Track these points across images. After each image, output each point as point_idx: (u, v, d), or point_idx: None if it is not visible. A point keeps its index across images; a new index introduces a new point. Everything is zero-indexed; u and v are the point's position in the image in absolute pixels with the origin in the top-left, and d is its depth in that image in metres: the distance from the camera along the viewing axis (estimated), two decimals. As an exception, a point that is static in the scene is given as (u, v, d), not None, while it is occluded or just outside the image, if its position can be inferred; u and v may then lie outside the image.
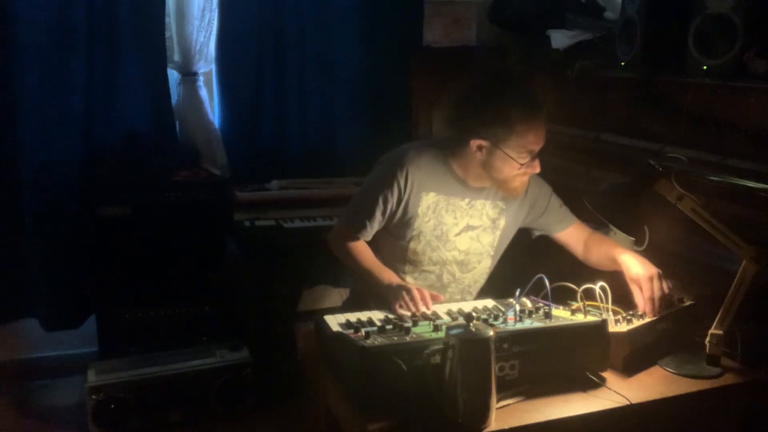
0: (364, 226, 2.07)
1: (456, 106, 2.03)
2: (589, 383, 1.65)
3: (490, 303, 1.97)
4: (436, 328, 1.65)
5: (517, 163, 1.93)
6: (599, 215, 1.87)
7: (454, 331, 1.45)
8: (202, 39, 3.11)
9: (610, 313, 1.80)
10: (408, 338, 1.60)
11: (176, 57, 3.13)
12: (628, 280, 1.90)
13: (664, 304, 1.87)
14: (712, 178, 2.06)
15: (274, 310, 3.04)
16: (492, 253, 2.19)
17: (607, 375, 1.69)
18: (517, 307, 1.75)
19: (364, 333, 1.61)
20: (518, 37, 3.40)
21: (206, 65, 3.17)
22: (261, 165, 3.27)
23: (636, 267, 1.90)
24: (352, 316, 1.81)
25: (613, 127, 2.84)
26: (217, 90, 3.26)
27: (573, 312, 1.79)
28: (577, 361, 1.66)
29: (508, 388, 1.57)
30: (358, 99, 3.38)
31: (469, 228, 2.12)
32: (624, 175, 2.03)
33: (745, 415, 1.76)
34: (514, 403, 1.56)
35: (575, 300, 1.79)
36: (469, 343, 1.43)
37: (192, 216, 2.90)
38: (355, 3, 3.29)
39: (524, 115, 1.90)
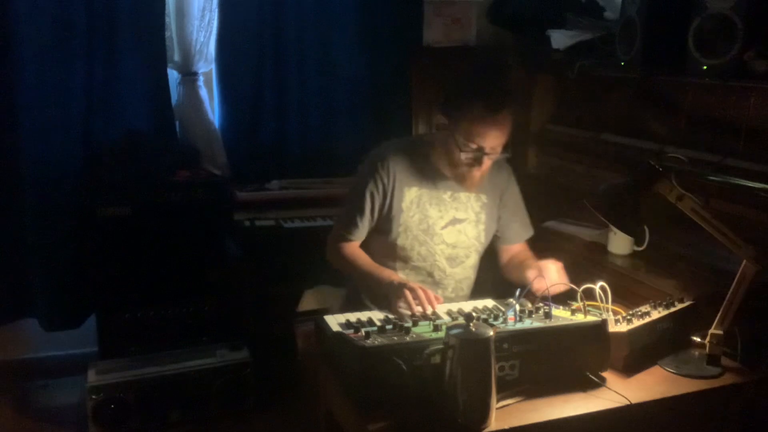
0: (356, 225, 2.10)
1: (446, 82, 2.09)
2: (589, 383, 1.65)
3: (490, 303, 1.97)
4: (436, 328, 1.65)
5: (463, 145, 1.94)
6: (599, 215, 1.87)
7: (454, 331, 1.45)
8: (202, 39, 3.11)
9: (610, 313, 1.80)
10: (408, 338, 1.59)
11: (176, 57, 3.13)
12: (532, 270, 1.93)
13: (664, 304, 1.87)
14: (712, 178, 2.06)
15: (274, 310, 3.04)
16: (479, 247, 2.20)
17: (607, 375, 1.69)
18: (517, 307, 1.75)
19: (364, 333, 1.61)
20: (518, 37, 3.39)
21: (206, 65, 3.17)
22: (261, 165, 3.27)
23: (537, 262, 1.96)
24: (352, 316, 1.81)
25: (613, 127, 2.84)
26: (217, 90, 3.26)
27: (573, 312, 1.79)
28: (577, 361, 1.66)
29: (508, 388, 1.57)
30: (358, 99, 3.38)
31: (455, 221, 2.14)
32: (624, 175, 2.03)
33: (745, 415, 1.76)
34: (514, 403, 1.56)
35: (575, 300, 1.79)
36: (469, 343, 1.43)
37: (192, 216, 2.90)
38: (355, 3, 3.30)
39: (481, 106, 1.90)
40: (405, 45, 3.35)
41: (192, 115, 3.18)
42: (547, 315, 1.75)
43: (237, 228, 2.98)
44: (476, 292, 2.24)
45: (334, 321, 1.77)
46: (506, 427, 1.48)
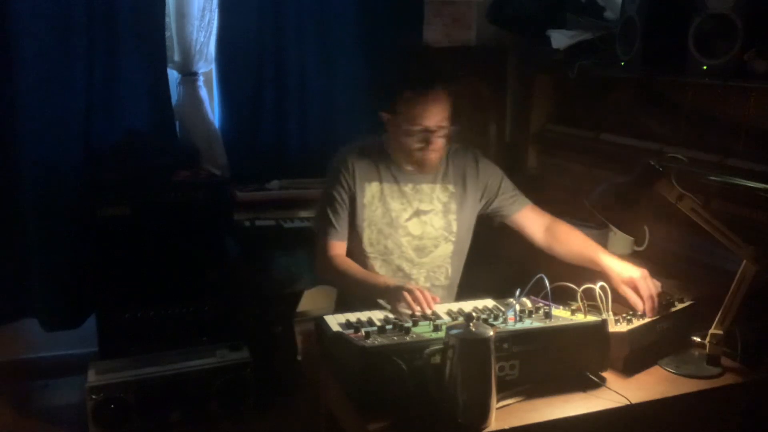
0: (334, 227, 2.13)
1: (373, 82, 2.10)
2: (589, 383, 1.65)
3: (490, 303, 1.97)
4: (436, 328, 1.65)
5: (411, 131, 1.98)
6: (599, 215, 1.87)
7: (454, 331, 1.46)
8: (202, 39, 3.11)
9: (610, 313, 1.80)
10: (408, 338, 1.60)
11: (176, 57, 3.12)
12: (619, 284, 1.90)
13: (663, 304, 1.87)
14: (712, 178, 2.06)
15: (274, 310, 3.04)
16: (449, 237, 2.19)
17: (607, 375, 1.69)
18: (517, 307, 1.75)
19: (364, 333, 1.61)
20: (518, 37, 3.40)
21: (206, 65, 3.17)
22: (261, 165, 3.26)
23: (626, 270, 1.91)
24: (352, 316, 1.81)
25: (613, 127, 2.84)
26: (217, 90, 3.26)
27: (573, 312, 1.79)
28: (577, 361, 1.66)
29: (508, 388, 1.57)
30: (358, 99, 3.37)
31: (419, 212, 2.16)
32: (624, 175, 2.03)
33: (745, 415, 1.76)
34: (514, 403, 1.56)
35: (575, 300, 1.79)
36: (469, 343, 1.43)
37: (192, 216, 2.90)
38: (355, 3, 3.29)
39: (412, 85, 1.96)
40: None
41: (192, 115, 3.18)
42: (547, 315, 1.75)
43: (237, 228, 2.98)
44: (476, 293, 2.24)
45: (334, 321, 1.77)
46: (506, 427, 1.48)
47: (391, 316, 1.82)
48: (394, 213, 2.15)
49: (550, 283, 1.75)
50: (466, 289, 2.29)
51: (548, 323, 1.71)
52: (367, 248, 2.16)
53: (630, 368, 1.73)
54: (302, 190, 3.15)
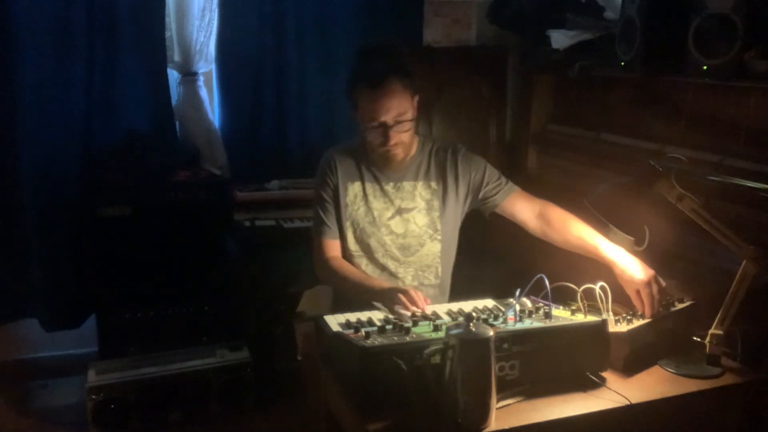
0: (327, 225, 2.15)
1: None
2: (589, 383, 1.65)
3: (490, 303, 1.97)
4: (436, 328, 1.65)
5: (367, 127, 2.02)
6: (599, 215, 1.87)
7: (454, 331, 1.45)
8: (202, 39, 3.11)
9: (610, 313, 1.80)
10: (408, 338, 1.59)
11: (176, 57, 3.13)
12: (623, 282, 1.89)
13: (663, 305, 1.87)
14: (712, 178, 2.06)
15: (274, 310, 3.04)
16: (435, 235, 2.18)
17: (607, 375, 1.69)
18: (517, 307, 1.75)
19: (364, 333, 1.61)
20: (518, 37, 3.40)
21: (206, 65, 3.17)
22: (261, 165, 3.27)
23: (631, 270, 1.88)
24: (352, 316, 1.81)
25: (613, 127, 2.84)
26: (217, 90, 3.26)
27: (573, 312, 1.79)
28: (577, 361, 1.66)
29: (508, 388, 1.57)
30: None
31: (402, 210, 2.17)
32: (624, 175, 2.03)
33: (745, 415, 1.76)
34: (514, 403, 1.56)
35: (575, 300, 1.79)
36: (469, 343, 1.43)
37: (192, 216, 2.90)
38: (355, 3, 3.29)
39: (363, 84, 2.01)
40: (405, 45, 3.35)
41: (192, 115, 3.18)
42: (547, 315, 1.75)
43: (237, 228, 2.98)
44: (476, 293, 2.24)
45: (334, 321, 1.77)
46: (506, 427, 1.48)
47: (391, 316, 1.82)
48: (376, 212, 2.16)
49: (550, 283, 1.75)
50: (466, 289, 2.29)
51: (548, 323, 1.71)
52: (352, 247, 2.17)
53: (630, 368, 1.73)
54: (302, 190, 3.14)
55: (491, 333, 1.45)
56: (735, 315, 1.73)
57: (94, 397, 2.62)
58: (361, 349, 1.51)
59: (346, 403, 1.63)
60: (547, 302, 1.77)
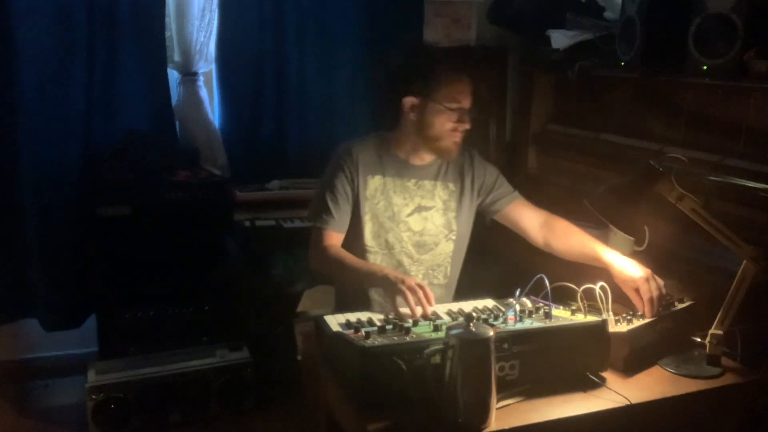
0: (332, 216, 2.11)
1: (387, 72, 2.16)
2: (589, 383, 1.65)
3: (490, 303, 1.97)
4: (436, 328, 1.65)
5: (451, 114, 2.04)
6: (599, 215, 1.87)
7: (454, 331, 1.45)
8: (202, 39, 3.11)
9: (610, 313, 1.80)
10: (408, 338, 1.59)
11: (176, 57, 3.13)
12: (621, 283, 1.90)
13: (663, 304, 1.87)
14: (712, 178, 2.06)
15: (274, 310, 3.04)
16: (450, 235, 2.20)
17: (607, 375, 1.69)
18: (517, 307, 1.75)
19: (364, 333, 1.61)
20: (518, 37, 3.40)
21: (206, 65, 3.17)
22: (261, 165, 3.26)
23: (628, 269, 1.90)
24: (352, 316, 1.81)
25: (613, 127, 2.84)
26: (217, 90, 3.26)
27: (573, 312, 1.79)
28: (577, 361, 1.66)
29: (508, 388, 1.57)
30: (358, 99, 3.37)
31: (421, 208, 2.17)
32: (624, 175, 2.03)
33: (745, 415, 1.76)
34: (514, 403, 1.56)
35: (575, 300, 1.79)
36: (469, 343, 1.43)
37: (192, 216, 2.90)
38: (355, 3, 3.29)
39: (449, 66, 2.06)
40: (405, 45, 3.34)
41: (192, 115, 3.18)
42: (547, 315, 1.75)
43: (237, 228, 2.98)
44: (476, 293, 2.24)
45: (334, 321, 1.77)
46: (506, 427, 1.48)
47: (391, 316, 1.82)
48: (396, 207, 2.15)
49: (550, 283, 1.75)
50: (466, 289, 2.29)
51: (548, 323, 1.71)
52: (369, 242, 2.15)
53: (630, 368, 1.73)
54: (302, 190, 3.14)
55: (491, 333, 1.45)
56: (735, 315, 1.73)
57: (94, 397, 2.62)
58: (361, 349, 1.51)
59: (346, 403, 1.63)
60: (547, 302, 1.77)
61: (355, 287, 2.13)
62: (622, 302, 1.89)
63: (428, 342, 1.54)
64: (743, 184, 1.93)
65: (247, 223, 2.99)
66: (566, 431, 1.55)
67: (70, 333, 3.12)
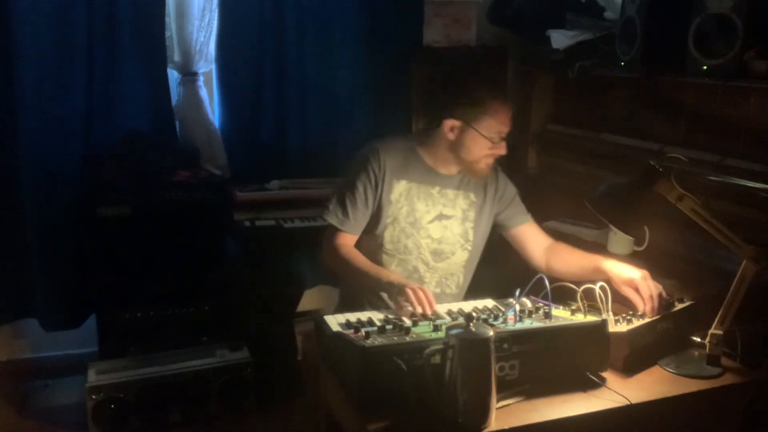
0: (348, 217, 2.12)
1: (432, 92, 2.15)
2: (589, 383, 1.65)
3: (490, 303, 1.97)
4: (436, 328, 1.65)
5: (489, 142, 2.06)
6: (599, 215, 1.87)
7: (454, 331, 1.45)
8: (202, 39, 3.11)
9: (610, 313, 1.80)
10: (408, 338, 1.60)
11: (176, 57, 3.12)
12: (620, 285, 1.91)
13: (663, 304, 1.87)
14: (712, 178, 2.06)
15: (274, 310, 3.04)
16: (466, 245, 2.20)
17: (607, 375, 1.69)
18: (517, 307, 1.75)
19: (364, 333, 1.61)
20: (518, 37, 3.40)
21: (206, 65, 3.17)
22: (261, 165, 3.26)
23: (626, 271, 1.92)
24: (352, 316, 1.81)
25: (613, 127, 2.84)
26: (217, 90, 3.26)
27: (573, 312, 1.79)
28: (577, 361, 1.66)
29: (508, 388, 1.57)
30: (358, 99, 3.38)
31: (442, 216, 2.18)
32: (624, 175, 2.03)
33: (745, 415, 1.76)
34: (514, 403, 1.56)
35: (575, 300, 1.79)
36: (469, 343, 1.43)
37: (192, 216, 2.90)
38: (355, 3, 3.29)
39: (496, 97, 2.08)
40: (405, 45, 3.35)
41: (192, 115, 3.17)
42: (547, 315, 1.75)
43: (237, 228, 2.98)
44: (476, 293, 2.24)
45: (334, 321, 1.77)
46: (506, 427, 1.48)
47: (391, 316, 1.82)
48: (418, 213, 2.15)
49: (550, 283, 1.75)
50: (466, 288, 2.30)
51: (548, 323, 1.71)
52: (387, 246, 2.16)
53: (630, 368, 1.73)
54: (302, 190, 3.15)
55: (491, 333, 1.45)
56: (735, 315, 1.73)
57: (94, 397, 2.62)
58: (361, 349, 1.51)
59: (346, 403, 1.63)
60: (547, 302, 1.77)
61: (361, 288, 2.13)
62: (623, 302, 1.89)
63: (428, 342, 1.54)
64: (743, 184, 1.92)
65: (247, 223, 2.99)
66: (566, 431, 1.55)
67: (70, 333, 3.12)
